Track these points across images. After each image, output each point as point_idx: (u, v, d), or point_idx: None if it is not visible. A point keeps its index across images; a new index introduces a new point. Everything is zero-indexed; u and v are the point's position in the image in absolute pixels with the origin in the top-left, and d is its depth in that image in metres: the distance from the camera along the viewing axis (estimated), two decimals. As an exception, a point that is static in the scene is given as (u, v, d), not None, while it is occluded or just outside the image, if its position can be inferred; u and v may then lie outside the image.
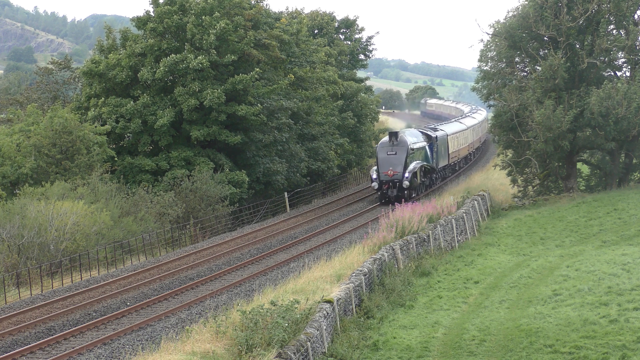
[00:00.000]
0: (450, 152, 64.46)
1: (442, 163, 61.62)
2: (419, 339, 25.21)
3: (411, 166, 51.62)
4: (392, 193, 50.89)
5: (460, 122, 77.15)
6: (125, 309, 29.16)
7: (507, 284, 31.06)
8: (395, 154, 51.24)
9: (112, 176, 48.93)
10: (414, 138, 54.02)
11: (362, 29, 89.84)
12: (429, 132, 59.16)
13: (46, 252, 37.61)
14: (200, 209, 48.66)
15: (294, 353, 21.16)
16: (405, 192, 50.73)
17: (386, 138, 52.79)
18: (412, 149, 52.16)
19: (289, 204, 55.91)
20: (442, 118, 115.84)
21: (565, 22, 49.04)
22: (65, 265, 36.83)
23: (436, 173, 59.87)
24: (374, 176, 51.54)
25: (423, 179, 54.95)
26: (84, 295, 31.89)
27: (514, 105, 50.21)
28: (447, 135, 63.92)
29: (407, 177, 50.73)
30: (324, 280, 29.85)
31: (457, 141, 68.76)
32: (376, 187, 51.50)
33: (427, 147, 56.45)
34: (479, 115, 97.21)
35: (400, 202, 43.76)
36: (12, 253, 36.72)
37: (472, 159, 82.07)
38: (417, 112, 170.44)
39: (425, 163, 55.14)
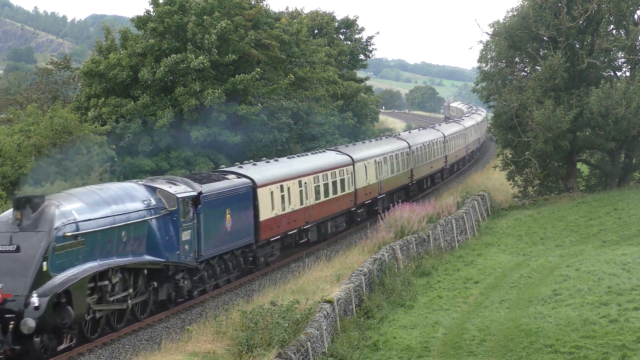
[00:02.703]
0: (266, 218, 34.56)
1: (226, 245, 31.49)
2: (419, 339, 25.24)
3: (58, 277, 22.68)
4: None
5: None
6: (125, 309, 28.91)
7: (507, 284, 31.09)
8: (16, 249, 22.53)
9: (112, 176, 48.91)
10: (92, 209, 24.81)
11: (362, 29, 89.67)
12: (172, 188, 28.59)
13: (46, 252, 37.53)
14: (200, 209, 48.56)
15: (294, 353, 21.19)
16: (35, 339, 21.84)
17: (8, 212, 24.05)
18: (76, 235, 23.63)
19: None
20: None
21: (565, 22, 49.05)
22: (65, 266, 36.77)
23: (200, 271, 30.10)
24: None
25: (123, 302, 25.98)
26: (84, 296, 31.77)
27: (513, 105, 50.22)
28: (254, 186, 33.78)
29: (35, 305, 21.80)
30: (324, 280, 29.90)
31: (296, 192, 37.70)
32: None
33: (155, 222, 27.51)
34: (469, 120, 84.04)
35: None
36: (12, 253, 36.66)
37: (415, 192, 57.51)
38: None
39: (139, 257, 26.67)
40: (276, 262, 36.37)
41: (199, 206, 29.50)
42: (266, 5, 60.85)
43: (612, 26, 51.58)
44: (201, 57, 50.95)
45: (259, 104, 53.91)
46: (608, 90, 47.44)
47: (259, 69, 53.40)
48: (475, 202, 44.97)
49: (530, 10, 49.93)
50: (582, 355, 22.27)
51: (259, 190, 34.18)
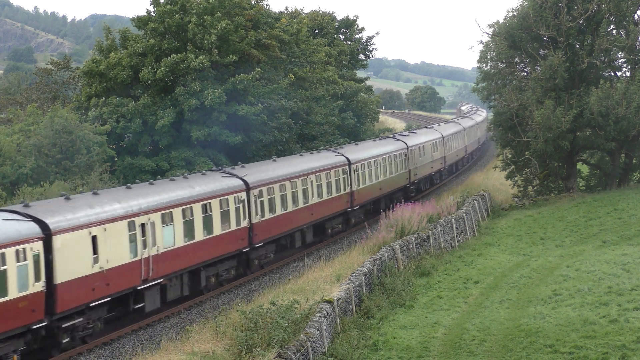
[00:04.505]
0: None
1: None
2: (419, 339, 25.23)
3: None
4: None
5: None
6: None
7: (507, 284, 31.07)
8: None
9: (112, 176, 48.88)
10: None
11: (362, 29, 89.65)
12: None
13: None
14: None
15: (294, 353, 21.18)
16: None
17: None
18: None
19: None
20: None
21: (565, 22, 49.04)
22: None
23: None
24: None
25: None
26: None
27: (513, 106, 50.23)
28: None
29: None
30: (324, 280, 29.90)
31: None
32: None
33: None
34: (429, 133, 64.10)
35: None
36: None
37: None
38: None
39: None
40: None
41: None
42: (266, 5, 60.80)
43: (612, 26, 51.57)
44: (201, 57, 50.92)
45: (259, 104, 53.86)
46: (608, 90, 47.42)
47: (259, 69, 53.37)
48: (475, 202, 44.95)
49: (530, 10, 49.91)
50: (582, 355, 22.26)
51: None
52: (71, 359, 24.09)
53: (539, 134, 48.22)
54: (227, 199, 32.54)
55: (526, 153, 51.74)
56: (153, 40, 53.00)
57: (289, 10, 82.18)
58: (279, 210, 36.60)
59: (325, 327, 24.10)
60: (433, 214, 40.83)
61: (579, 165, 56.22)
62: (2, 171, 44.32)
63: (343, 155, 44.81)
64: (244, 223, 33.70)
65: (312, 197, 39.90)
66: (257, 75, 52.97)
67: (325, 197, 41.30)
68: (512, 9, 53.16)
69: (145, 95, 52.37)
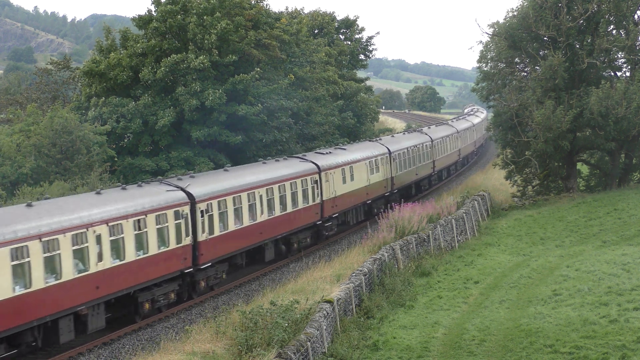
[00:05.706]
0: None
1: None
2: (419, 339, 25.23)
3: None
4: None
5: None
6: (126, 308, 28.40)
7: (507, 284, 31.08)
8: None
9: (112, 176, 48.87)
10: None
11: (362, 29, 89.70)
12: None
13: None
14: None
15: (294, 353, 21.18)
16: None
17: None
18: None
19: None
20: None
21: (565, 22, 49.05)
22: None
23: None
24: None
25: None
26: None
27: (513, 106, 50.24)
28: None
29: None
30: (324, 280, 29.90)
31: None
32: None
33: None
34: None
35: None
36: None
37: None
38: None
39: None
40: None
41: None
42: (266, 5, 60.78)
43: (612, 26, 51.57)
44: (201, 57, 50.93)
45: (259, 104, 53.87)
46: (608, 90, 47.43)
47: (259, 69, 53.38)
48: (475, 202, 44.95)
49: (530, 11, 49.90)
50: (582, 355, 22.26)
51: None
52: (71, 359, 24.09)
53: (539, 134, 48.22)
54: None
55: (526, 153, 51.73)
56: (153, 40, 53.03)
57: (289, 10, 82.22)
58: (37, 284, 22.90)
59: (325, 327, 24.11)
60: (433, 214, 40.84)
61: (579, 165, 56.22)
62: (2, 171, 44.31)
63: (183, 189, 30.33)
64: None
65: (100, 260, 25.45)
66: (257, 75, 52.99)
67: (133, 257, 26.97)
68: (512, 9, 53.23)
69: (146, 95, 52.39)
